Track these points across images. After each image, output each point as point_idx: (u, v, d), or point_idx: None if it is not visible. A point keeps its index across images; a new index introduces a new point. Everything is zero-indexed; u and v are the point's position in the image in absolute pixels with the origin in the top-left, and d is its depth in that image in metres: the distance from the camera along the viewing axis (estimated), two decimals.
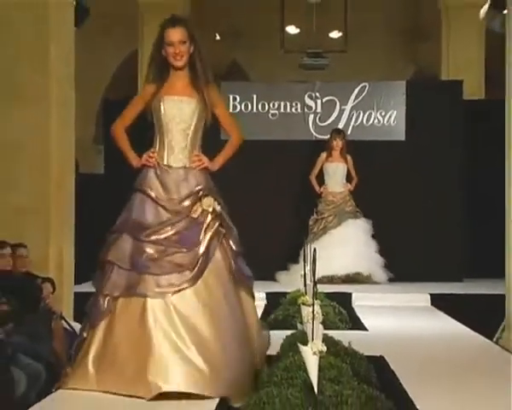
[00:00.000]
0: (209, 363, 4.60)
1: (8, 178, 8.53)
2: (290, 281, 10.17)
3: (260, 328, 5.33)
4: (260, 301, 9.47)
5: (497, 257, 9.06)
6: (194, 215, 4.94)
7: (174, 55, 5.00)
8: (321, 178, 11.76)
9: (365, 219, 11.48)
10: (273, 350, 5.33)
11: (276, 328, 6.93)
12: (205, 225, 4.94)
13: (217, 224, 5.00)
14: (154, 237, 4.88)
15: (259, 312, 8.61)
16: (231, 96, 12.12)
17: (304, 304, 5.12)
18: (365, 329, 7.82)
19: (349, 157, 11.67)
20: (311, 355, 3.93)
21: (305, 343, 4.01)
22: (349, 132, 12.03)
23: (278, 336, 5.64)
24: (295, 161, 11.94)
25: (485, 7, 14.51)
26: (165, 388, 4.53)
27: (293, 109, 12.23)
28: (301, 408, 3.79)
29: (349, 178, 11.72)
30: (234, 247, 5.08)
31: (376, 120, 12.08)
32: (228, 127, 5.32)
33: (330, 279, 10.97)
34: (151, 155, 5.05)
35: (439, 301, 9.72)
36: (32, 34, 8.62)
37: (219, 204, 5.05)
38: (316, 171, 11.74)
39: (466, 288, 10.81)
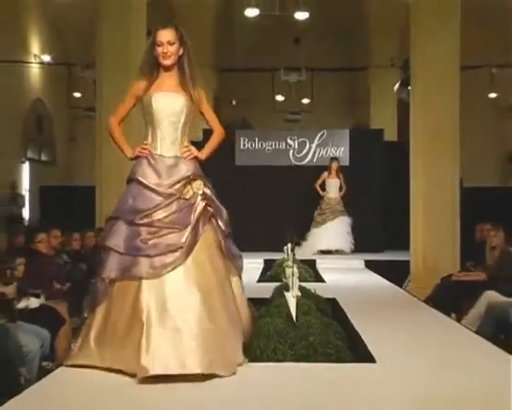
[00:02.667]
0: (198, 340, 3.20)
1: (106, 194, 8.63)
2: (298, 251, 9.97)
3: (246, 303, 3.89)
4: (259, 265, 9.40)
5: (406, 237, 9.06)
6: (187, 196, 3.57)
7: (163, 54, 3.63)
8: (322, 187, 11.39)
9: (348, 216, 11.22)
10: (267, 295, 5.22)
11: (270, 281, 6.83)
12: (195, 206, 3.56)
13: (204, 203, 3.59)
14: (147, 220, 3.49)
15: (259, 272, 8.57)
16: (242, 138, 11.99)
17: (287, 266, 5.04)
18: (324, 281, 7.72)
19: (341, 175, 11.37)
20: (291, 298, 3.87)
21: (288, 290, 3.95)
22: (315, 161, 11.88)
23: (271, 286, 5.53)
24: (281, 179, 11.75)
25: (397, 85, 14.54)
26: (154, 371, 3.10)
27: (280, 146, 12.10)
28: (285, 331, 3.71)
29: (340, 188, 11.39)
30: (223, 227, 3.67)
31: (332, 153, 11.94)
32: (211, 122, 3.87)
33: (325, 252, 10.87)
34: (144, 146, 3.69)
35: (370, 265, 9.61)
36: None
37: (208, 187, 3.68)
38: (319, 182, 11.35)
39: (386, 256, 10.68)
